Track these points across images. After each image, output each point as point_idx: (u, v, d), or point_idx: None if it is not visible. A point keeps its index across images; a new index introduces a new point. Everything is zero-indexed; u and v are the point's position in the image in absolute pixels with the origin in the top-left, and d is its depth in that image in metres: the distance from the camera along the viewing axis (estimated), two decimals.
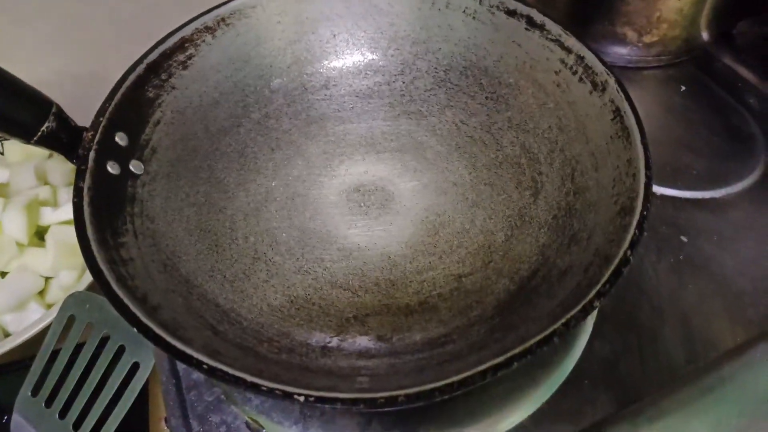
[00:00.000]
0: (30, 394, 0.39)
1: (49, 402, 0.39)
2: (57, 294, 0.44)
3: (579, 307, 0.24)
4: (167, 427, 0.33)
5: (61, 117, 0.30)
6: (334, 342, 0.29)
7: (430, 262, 0.34)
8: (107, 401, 0.38)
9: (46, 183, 0.49)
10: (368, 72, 0.42)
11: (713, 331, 0.33)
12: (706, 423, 0.30)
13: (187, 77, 0.37)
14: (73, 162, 0.30)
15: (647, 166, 0.28)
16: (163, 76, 0.36)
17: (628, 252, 0.25)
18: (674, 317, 0.34)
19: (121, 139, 0.32)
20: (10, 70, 0.28)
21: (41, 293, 0.45)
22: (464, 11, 0.40)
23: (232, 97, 0.39)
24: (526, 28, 0.37)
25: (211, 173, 0.37)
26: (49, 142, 0.29)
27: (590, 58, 0.34)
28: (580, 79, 0.35)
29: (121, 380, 0.37)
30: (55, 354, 0.40)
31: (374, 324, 0.31)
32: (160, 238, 0.32)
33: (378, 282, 0.34)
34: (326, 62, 0.42)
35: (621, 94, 0.32)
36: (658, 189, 0.39)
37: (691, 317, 0.34)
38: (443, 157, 0.39)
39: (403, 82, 0.42)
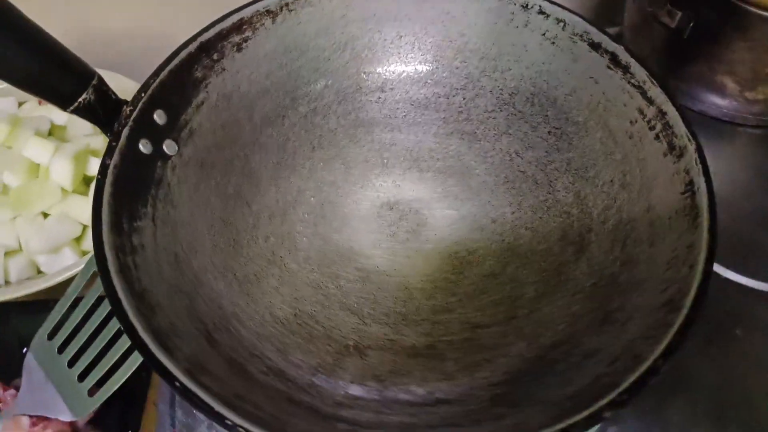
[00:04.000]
0: (46, 337, 0.41)
1: (61, 348, 0.40)
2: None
3: (584, 414, 0.21)
4: (155, 409, 0.33)
5: (101, 90, 0.29)
6: (322, 379, 0.28)
7: (447, 303, 0.32)
8: (114, 360, 0.39)
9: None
10: (428, 81, 0.40)
11: None
12: None
13: (239, 61, 0.36)
14: (107, 135, 0.30)
15: (708, 260, 0.25)
16: (215, 57, 0.35)
17: (660, 361, 0.22)
18: (711, 419, 0.30)
19: (159, 117, 0.32)
20: None
21: (78, 240, 0.46)
22: (544, 34, 0.36)
23: (283, 87, 0.38)
24: (608, 66, 0.33)
25: (246, 164, 0.36)
26: (85, 113, 0.29)
27: (673, 115, 0.30)
28: (657, 137, 0.31)
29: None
30: (77, 302, 0.42)
31: (374, 359, 0.30)
32: (179, 227, 0.31)
33: (389, 313, 0.32)
34: (387, 64, 0.40)
35: (699, 166, 0.28)
36: (723, 271, 0.35)
37: (731, 422, 0.30)
38: (488, 188, 0.36)
39: (464, 98, 0.39)
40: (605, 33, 0.33)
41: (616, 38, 0.33)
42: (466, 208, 0.36)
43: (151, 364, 0.23)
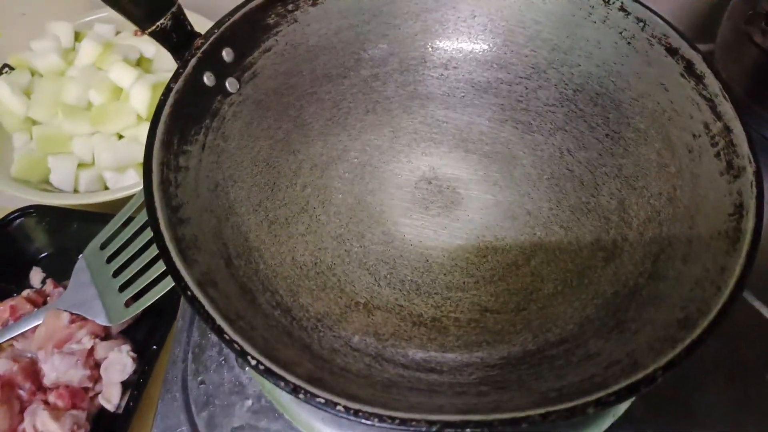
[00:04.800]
0: (99, 246, 0.44)
1: (110, 259, 0.44)
2: None
3: (566, 405, 0.20)
4: (175, 326, 0.35)
5: (178, 18, 0.31)
6: (325, 326, 0.29)
7: (464, 283, 0.32)
8: (154, 277, 0.42)
9: None
10: (494, 65, 0.39)
11: None
12: None
13: (312, 14, 0.37)
14: (177, 62, 0.32)
15: (738, 285, 0.23)
16: (290, 7, 0.36)
17: (659, 372, 0.21)
18: None
19: (227, 54, 0.34)
20: None
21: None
22: (621, 33, 0.34)
23: (349, 48, 0.39)
24: (682, 74, 0.32)
25: (300, 114, 0.37)
26: (160, 38, 0.31)
27: (739, 133, 0.28)
28: (717, 154, 0.29)
29: None
30: (130, 221, 0.45)
31: (379, 319, 0.30)
32: (225, 158, 0.33)
33: (404, 280, 0.32)
34: (455, 41, 0.40)
35: (754, 189, 0.26)
36: (767, 312, 0.32)
37: None
38: (531, 180, 0.36)
39: (526, 88, 0.38)
40: (685, 39, 0.32)
41: (695, 46, 0.31)
42: (504, 195, 0.35)
43: (168, 267, 0.24)
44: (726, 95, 0.29)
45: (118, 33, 0.55)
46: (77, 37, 0.54)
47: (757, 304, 0.32)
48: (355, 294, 0.31)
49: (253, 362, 0.22)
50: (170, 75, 0.52)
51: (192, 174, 0.30)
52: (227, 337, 0.23)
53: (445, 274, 0.32)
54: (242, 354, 0.22)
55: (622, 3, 0.34)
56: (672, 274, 0.27)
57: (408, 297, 0.32)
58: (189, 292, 0.24)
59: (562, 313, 0.29)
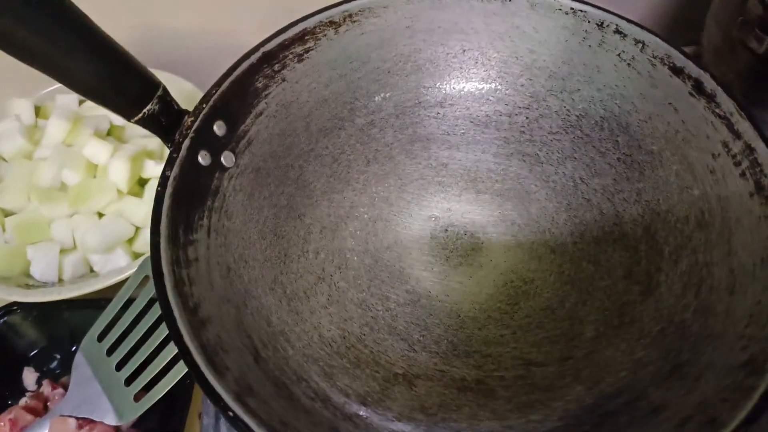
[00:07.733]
0: (96, 338, 0.41)
1: (110, 350, 0.41)
2: (144, 245, 0.46)
3: None
4: (200, 420, 0.33)
5: (165, 100, 0.29)
6: (369, 411, 0.27)
7: (501, 336, 0.31)
8: (162, 366, 0.39)
9: None
10: (491, 98, 0.38)
11: None
12: None
13: (300, 70, 0.35)
14: (168, 146, 0.30)
15: None
16: (276, 67, 0.34)
17: (742, 429, 0.20)
18: None
19: (219, 128, 0.32)
20: None
21: (129, 241, 0.47)
22: (619, 55, 0.34)
23: (341, 98, 0.37)
24: (691, 93, 0.31)
25: (301, 174, 0.35)
26: (149, 124, 0.29)
27: (763, 152, 0.28)
28: (743, 174, 0.28)
29: None
30: (128, 303, 0.42)
31: (422, 390, 0.29)
32: (232, 237, 0.31)
33: (439, 341, 0.31)
34: (448, 78, 0.38)
35: None
36: None
37: None
38: (549, 215, 0.35)
39: (527, 118, 0.37)
40: (689, 57, 0.31)
41: (701, 63, 0.31)
42: (524, 234, 0.34)
43: (202, 386, 0.22)
44: (743, 113, 0.29)
45: (81, 102, 0.51)
46: (38, 111, 0.50)
47: None
48: (391, 365, 0.30)
49: None
50: (145, 140, 0.49)
51: (203, 265, 0.28)
52: None
53: (479, 329, 0.31)
54: None
55: (617, 25, 0.33)
56: (720, 308, 0.26)
57: (446, 359, 0.30)
58: (230, 413, 0.22)
59: (610, 358, 0.28)
